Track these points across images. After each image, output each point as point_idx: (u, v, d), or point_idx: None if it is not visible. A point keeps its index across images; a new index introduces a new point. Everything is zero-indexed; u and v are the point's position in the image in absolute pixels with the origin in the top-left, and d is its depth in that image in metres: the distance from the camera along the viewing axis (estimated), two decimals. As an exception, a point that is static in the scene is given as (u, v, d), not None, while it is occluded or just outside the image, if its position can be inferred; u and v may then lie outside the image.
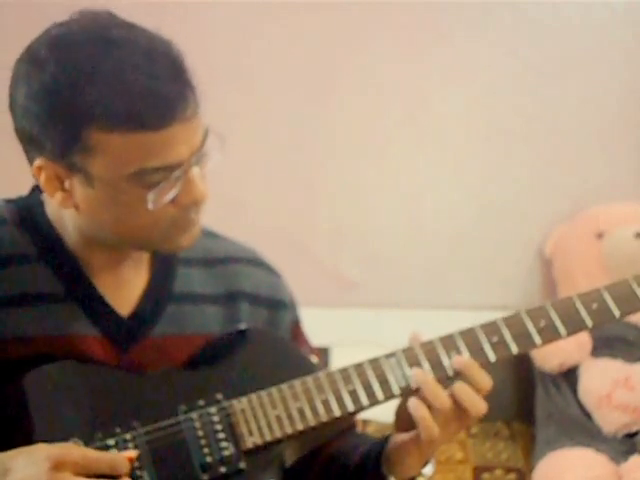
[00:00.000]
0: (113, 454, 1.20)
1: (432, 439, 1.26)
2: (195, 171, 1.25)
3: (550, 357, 2.77)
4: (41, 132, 1.21)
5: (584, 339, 2.76)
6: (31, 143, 1.24)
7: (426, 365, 1.28)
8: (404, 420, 1.31)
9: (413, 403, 1.26)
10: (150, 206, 1.22)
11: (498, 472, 2.76)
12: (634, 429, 2.68)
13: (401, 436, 1.31)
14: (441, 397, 1.25)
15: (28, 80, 1.21)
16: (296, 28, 2.94)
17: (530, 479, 2.66)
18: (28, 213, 1.34)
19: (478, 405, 1.26)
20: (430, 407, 1.26)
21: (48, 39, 1.23)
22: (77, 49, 1.20)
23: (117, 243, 1.30)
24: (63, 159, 1.22)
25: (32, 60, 1.22)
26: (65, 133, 1.20)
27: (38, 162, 1.24)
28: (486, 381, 1.27)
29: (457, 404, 1.26)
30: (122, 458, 1.18)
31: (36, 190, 1.37)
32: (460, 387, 1.26)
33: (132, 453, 1.21)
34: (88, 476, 1.14)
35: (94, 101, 1.18)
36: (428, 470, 1.33)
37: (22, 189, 1.40)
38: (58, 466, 1.12)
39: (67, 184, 1.25)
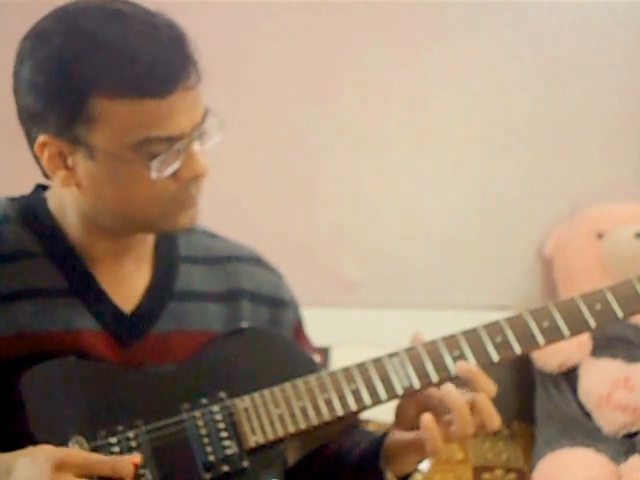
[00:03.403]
0: (116, 457, 1.19)
1: (437, 452, 1.26)
2: (196, 146, 1.26)
3: (550, 357, 2.77)
4: (46, 105, 1.22)
5: (584, 339, 2.76)
6: (35, 120, 1.25)
7: (429, 365, 1.28)
8: (404, 419, 1.31)
9: (425, 418, 1.25)
10: (153, 175, 1.22)
11: (498, 472, 2.76)
12: (634, 429, 2.68)
13: (402, 435, 1.31)
14: (465, 407, 1.25)
15: (34, 54, 1.23)
16: (296, 28, 2.93)
17: (530, 479, 2.66)
18: (31, 210, 1.35)
19: (495, 418, 1.26)
20: (438, 417, 1.26)
21: (54, 15, 1.25)
22: (82, 20, 1.22)
23: (117, 224, 1.30)
24: (66, 133, 1.23)
25: (38, 35, 1.24)
26: (69, 103, 1.21)
27: (41, 139, 1.25)
28: (491, 387, 1.27)
29: (475, 414, 1.25)
30: (125, 461, 1.17)
31: (38, 188, 1.39)
32: (482, 398, 1.26)
33: (136, 457, 1.19)
34: (90, 478, 1.14)
35: (98, 69, 1.19)
36: (425, 466, 1.33)
37: (24, 189, 1.41)
38: (60, 467, 1.12)
39: (70, 161, 1.25)
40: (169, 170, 1.24)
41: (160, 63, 1.20)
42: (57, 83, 1.21)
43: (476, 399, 1.26)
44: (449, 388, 1.26)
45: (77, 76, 1.20)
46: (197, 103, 1.25)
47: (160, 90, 1.20)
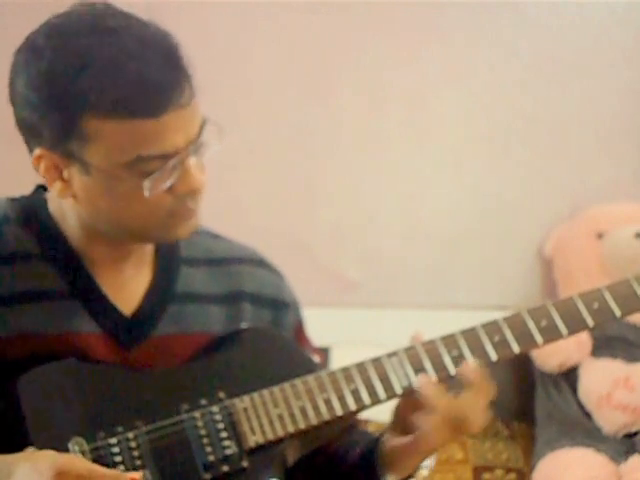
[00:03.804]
0: (118, 473, 1.18)
1: (434, 447, 1.27)
2: (192, 161, 1.24)
3: (550, 357, 2.77)
4: (39, 121, 1.22)
5: (584, 339, 2.76)
6: (30, 133, 1.25)
7: (428, 364, 1.28)
8: (402, 420, 1.31)
9: (419, 416, 1.26)
10: (146, 194, 1.22)
11: (498, 472, 2.76)
12: (634, 429, 2.68)
13: (400, 440, 1.31)
14: (448, 406, 1.25)
15: (27, 69, 1.22)
16: (296, 28, 2.93)
17: (530, 479, 2.66)
18: (31, 211, 1.35)
19: (481, 418, 1.27)
20: (432, 412, 1.26)
21: (46, 28, 1.24)
22: (73, 37, 1.21)
23: (116, 234, 1.30)
24: (61, 148, 1.23)
25: (30, 49, 1.23)
26: (62, 121, 1.20)
27: (37, 152, 1.25)
28: (489, 390, 1.27)
29: (461, 414, 1.26)
30: (126, 478, 1.17)
31: (39, 189, 1.38)
32: (466, 400, 1.26)
33: (136, 475, 1.18)
34: None
35: (89, 89, 1.18)
36: (427, 464, 1.33)
37: (24, 189, 1.40)
38: (61, 476, 1.11)
39: (65, 173, 1.25)
40: (163, 186, 1.23)
41: (152, 83, 1.19)
42: (48, 101, 1.20)
43: (460, 400, 1.26)
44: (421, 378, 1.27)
45: (67, 95, 1.19)
46: (192, 118, 1.24)
47: (152, 110, 1.19)
